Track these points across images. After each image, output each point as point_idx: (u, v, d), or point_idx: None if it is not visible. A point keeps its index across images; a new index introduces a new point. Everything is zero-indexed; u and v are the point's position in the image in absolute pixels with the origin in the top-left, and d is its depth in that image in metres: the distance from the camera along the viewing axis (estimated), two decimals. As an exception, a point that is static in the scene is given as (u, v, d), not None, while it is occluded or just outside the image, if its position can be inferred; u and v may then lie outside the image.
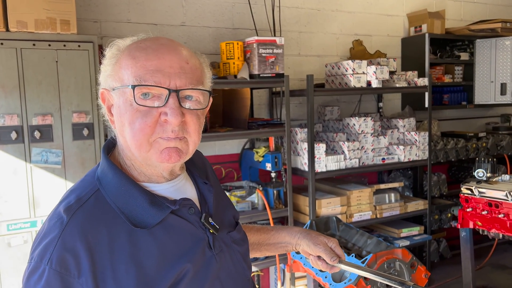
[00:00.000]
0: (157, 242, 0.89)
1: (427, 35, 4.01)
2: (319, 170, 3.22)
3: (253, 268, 3.11)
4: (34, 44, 2.38)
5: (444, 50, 4.36)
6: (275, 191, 3.16)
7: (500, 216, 2.42)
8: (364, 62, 3.38)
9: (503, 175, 2.59)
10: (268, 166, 3.11)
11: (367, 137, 3.44)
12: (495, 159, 2.65)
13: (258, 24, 3.51)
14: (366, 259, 1.97)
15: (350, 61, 3.33)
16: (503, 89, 4.16)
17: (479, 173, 2.57)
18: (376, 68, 3.36)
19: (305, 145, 3.21)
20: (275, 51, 2.98)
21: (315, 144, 3.20)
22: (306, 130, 3.24)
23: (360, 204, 3.40)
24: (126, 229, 0.87)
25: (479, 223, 2.53)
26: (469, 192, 2.56)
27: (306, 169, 3.22)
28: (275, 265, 3.21)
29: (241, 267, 1.05)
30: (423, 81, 3.68)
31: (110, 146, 1.00)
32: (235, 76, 2.95)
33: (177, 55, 0.90)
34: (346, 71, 3.36)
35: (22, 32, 2.37)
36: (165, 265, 0.88)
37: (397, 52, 4.25)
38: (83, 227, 0.85)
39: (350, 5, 3.96)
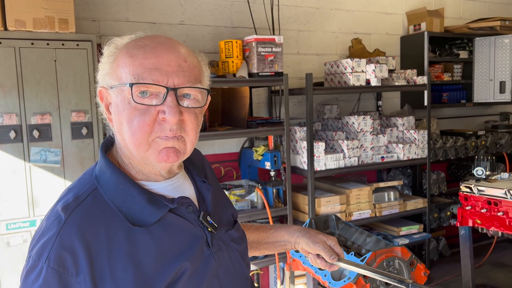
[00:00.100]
0: (155, 240, 0.89)
1: (426, 33, 4.00)
2: (318, 169, 3.22)
3: (253, 267, 3.12)
4: (32, 43, 2.37)
5: (443, 49, 4.36)
6: (274, 190, 3.16)
7: (499, 214, 2.42)
8: (363, 60, 3.38)
9: (502, 173, 2.59)
10: (267, 165, 3.11)
11: (366, 136, 3.44)
12: (494, 157, 2.65)
13: (257, 22, 3.51)
14: (365, 257, 1.97)
15: (349, 60, 3.33)
16: (502, 87, 4.16)
17: (478, 171, 2.57)
18: (375, 67, 3.36)
19: (304, 143, 3.21)
20: (274, 49, 2.98)
21: (314, 143, 3.20)
22: (305, 128, 3.24)
23: (360, 203, 3.40)
24: (124, 227, 0.87)
25: (478, 221, 2.53)
26: (468, 190, 2.56)
27: (306, 167, 3.22)
28: (275, 263, 3.21)
29: (239, 266, 1.05)
30: (422, 80, 3.68)
31: (108, 144, 0.99)
32: (234, 75, 2.94)
33: (175, 53, 0.90)
34: (345, 69, 3.35)
35: (20, 31, 2.36)
36: (163, 264, 0.88)
37: (396, 50, 4.25)
38: (81, 225, 0.85)
39: (349, 3, 3.95)
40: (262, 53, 2.94)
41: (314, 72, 3.36)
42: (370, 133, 3.45)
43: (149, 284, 0.85)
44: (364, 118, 3.45)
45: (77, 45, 2.47)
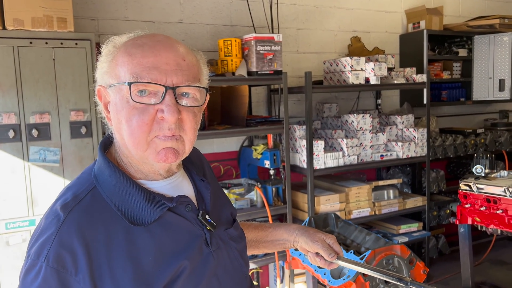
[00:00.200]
0: (154, 239, 0.89)
1: (425, 31, 4.00)
2: (317, 167, 3.22)
3: (253, 265, 3.12)
4: (31, 42, 2.37)
5: (442, 47, 4.36)
6: (273, 189, 3.16)
7: (498, 212, 2.42)
8: (362, 58, 3.38)
9: (501, 171, 2.59)
10: (267, 164, 3.11)
11: (365, 134, 3.44)
12: (493, 155, 2.66)
13: (256, 21, 3.50)
14: (365, 255, 1.97)
15: (348, 58, 3.33)
16: (501, 85, 4.16)
17: (478, 169, 2.57)
18: (375, 65, 3.36)
19: (304, 142, 3.21)
20: (273, 48, 2.98)
21: (313, 141, 3.20)
22: (304, 127, 3.24)
23: (359, 201, 3.40)
24: (123, 226, 0.87)
25: (478, 219, 2.53)
26: (467, 188, 2.56)
27: (305, 166, 3.22)
28: (275, 262, 3.21)
29: (238, 264, 1.05)
30: (422, 78, 3.68)
31: (107, 143, 0.99)
32: (233, 74, 2.94)
33: (173, 51, 0.90)
34: (345, 68, 3.35)
35: (18, 30, 2.36)
36: (162, 262, 0.88)
37: (395, 48, 4.25)
38: (80, 224, 0.84)
39: (348, 1, 3.95)
40: (261, 52, 2.94)
41: (313, 71, 3.36)
42: (370, 132, 3.45)
43: (148, 283, 0.85)
44: (363, 116, 3.45)
45: (76, 44, 2.47)
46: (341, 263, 1.22)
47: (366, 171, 3.97)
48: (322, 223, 2.35)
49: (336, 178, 3.73)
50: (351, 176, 3.77)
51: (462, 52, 4.34)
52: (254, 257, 3.06)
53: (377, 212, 3.47)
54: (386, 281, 1.90)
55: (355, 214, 3.37)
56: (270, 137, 3.18)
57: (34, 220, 2.43)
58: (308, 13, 3.78)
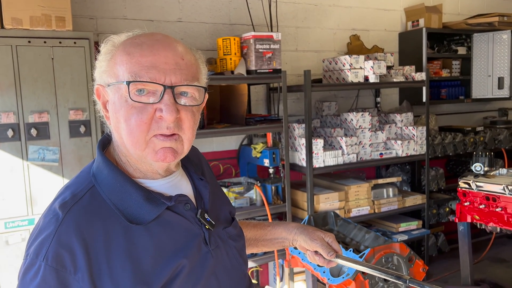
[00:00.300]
0: (153, 238, 0.89)
1: (424, 29, 4.00)
2: (317, 166, 3.22)
3: (252, 264, 3.12)
4: (29, 41, 2.36)
5: (441, 45, 4.36)
6: (273, 187, 3.16)
7: (497, 209, 2.42)
8: (362, 57, 3.38)
9: (500, 169, 2.60)
10: (266, 162, 3.11)
11: (365, 132, 3.44)
12: (492, 153, 2.66)
13: (255, 19, 3.50)
14: (364, 253, 1.97)
15: (347, 56, 3.33)
16: (500, 83, 4.16)
17: (477, 167, 2.57)
18: (374, 63, 3.36)
19: (303, 140, 3.21)
20: (272, 46, 2.97)
21: (313, 140, 3.20)
22: (303, 125, 3.24)
23: (358, 199, 3.40)
24: (121, 225, 0.87)
25: (477, 217, 2.54)
26: (466, 186, 2.56)
27: (304, 164, 3.23)
28: (274, 260, 3.22)
29: (237, 263, 1.05)
30: (421, 76, 3.68)
31: (106, 142, 0.99)
32: (232, 72, 2.94)
33: (172, 51, 0.90)
34: (344, 66, 3.35)
35: (17, 29, 2.35)
36: (161, 261, 0.88)
37: (395, 46, 4.25)
38: (79, 223, 0.84)
39: (347, 0, 3.95)
40: (260, 50, 2.93)
41: (312, 69, 3.35)
42: (369, 130, 3.45)
43: (147, 282, 0.85)
44: (362, 114, 3.45)
45: (74, 43, 2.47)
46: (340, 261, 1.22)
47: (365, 169, 3.97)
48: (321, 221, 2.35)
49: (336, 176, 3.73)
50: (350, 175, 3.77)
51: (461, 50, 4.34)
52: (253, 255, 3.07)
53: (376, 210, 3.48)
54: (385, 279, 1.91)
55: (354, 213, 3.37)
56: (270, 136, 3.18)
57: (33, 219, 2.43)
58: (307, 11, 3.77)
